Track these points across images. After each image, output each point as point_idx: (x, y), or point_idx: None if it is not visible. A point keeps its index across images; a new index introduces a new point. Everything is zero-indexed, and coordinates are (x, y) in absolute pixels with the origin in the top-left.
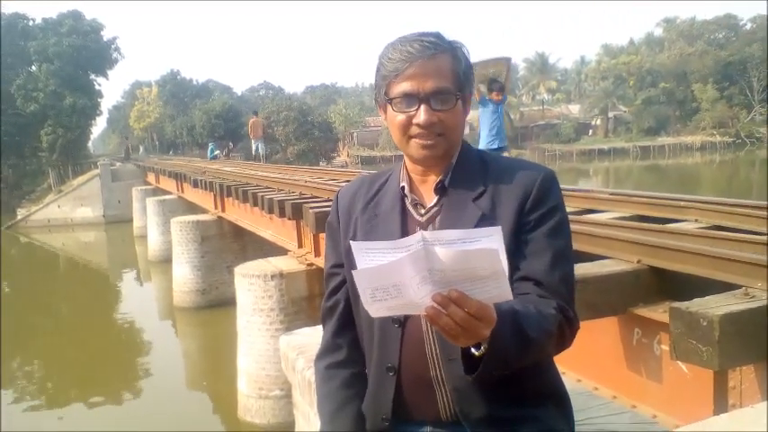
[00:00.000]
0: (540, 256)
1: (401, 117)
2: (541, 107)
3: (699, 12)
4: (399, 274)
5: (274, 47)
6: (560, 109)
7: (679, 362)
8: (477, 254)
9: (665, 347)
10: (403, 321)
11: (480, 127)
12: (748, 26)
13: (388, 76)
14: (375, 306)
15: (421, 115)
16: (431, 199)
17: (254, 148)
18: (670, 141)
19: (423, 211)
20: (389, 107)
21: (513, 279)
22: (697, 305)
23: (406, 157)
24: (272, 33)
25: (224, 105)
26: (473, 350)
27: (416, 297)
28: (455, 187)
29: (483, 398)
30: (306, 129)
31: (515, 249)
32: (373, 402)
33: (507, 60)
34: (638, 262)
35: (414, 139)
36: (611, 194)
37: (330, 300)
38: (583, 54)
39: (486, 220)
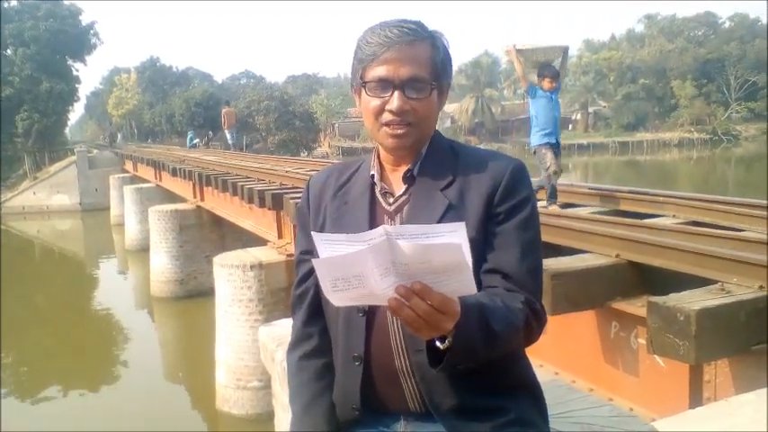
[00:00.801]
0: (509, 248)
1: (375, 102)
2: (523, 101)
3: (679, 9)
4: (361, 265)
5: (256, 35)
6: None
7: (656, 356)
8: (441, 248)
9: (642, 341)
10: (367, 311)
11: (532, 121)
12: (727, 24)
13: (365, 59)
14: (336, 296)
15: (394, 101)
16: (399, 188)
17: (228, 137)
18: (648, 137)
19: (391, 200)
20: (363, 91)
21: (480, 271)
22: (674, 300)
23: (378, 146)
24: (254, 21)
25: (204, 93)
26: (438, 343)
27: (378, 288)
28: (423, 176)
29: (452, 388)
30: (287, 119)
31: (483, 241)
32: (342, 392)
33: (564, 49)
34: (617, 256)
35: (384, 127)
36: (590, 189)
37: (299, 287)
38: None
39: (453, 209)
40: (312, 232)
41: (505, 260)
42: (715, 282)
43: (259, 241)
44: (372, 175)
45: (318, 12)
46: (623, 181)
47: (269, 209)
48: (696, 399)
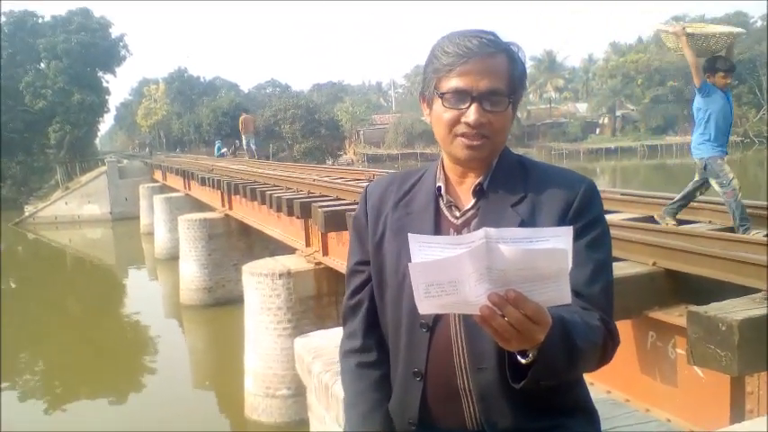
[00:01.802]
0: (581, 267)
1: (450, 114)
2: (549, 105)
3: (709, 10)
4: (457, 271)
5: (282, 44)
6: (567, 107)
7: (695, 366)
8: (545, 254)
9: (681, 351)
10: (431, 326)
11: (698, 125)
12: (759, 24)
13: (441, 69)
14: (427, 302)
15: (471, 114)
16: (467, 201)
17: (244, 142)
18: (678, 140)
19: (458, 214)
20: (437, 102)
21: None
22: (715, 309)
23: (444, 156)
24: (280, 31)
25: (231, 103)
26: (520, 358)
27: (472, 296)
28: (494, 191)
29: (510, 409)
30: (312, 127)
31: None
32: (400, 406)
33: (739, 34)
34: (654, 264)
35: (459, 138)
36: (622, 195)
37: (353, 298)
38: (591, 52)
39: (524, 226)
40: (409, 234)
41: (578, 279)
42: (755, 290)
43: (287, 249)
44: (439, 187)
45: (343, 20)
46: (653, 186)
47: (297, 217)
48: (738, 411)
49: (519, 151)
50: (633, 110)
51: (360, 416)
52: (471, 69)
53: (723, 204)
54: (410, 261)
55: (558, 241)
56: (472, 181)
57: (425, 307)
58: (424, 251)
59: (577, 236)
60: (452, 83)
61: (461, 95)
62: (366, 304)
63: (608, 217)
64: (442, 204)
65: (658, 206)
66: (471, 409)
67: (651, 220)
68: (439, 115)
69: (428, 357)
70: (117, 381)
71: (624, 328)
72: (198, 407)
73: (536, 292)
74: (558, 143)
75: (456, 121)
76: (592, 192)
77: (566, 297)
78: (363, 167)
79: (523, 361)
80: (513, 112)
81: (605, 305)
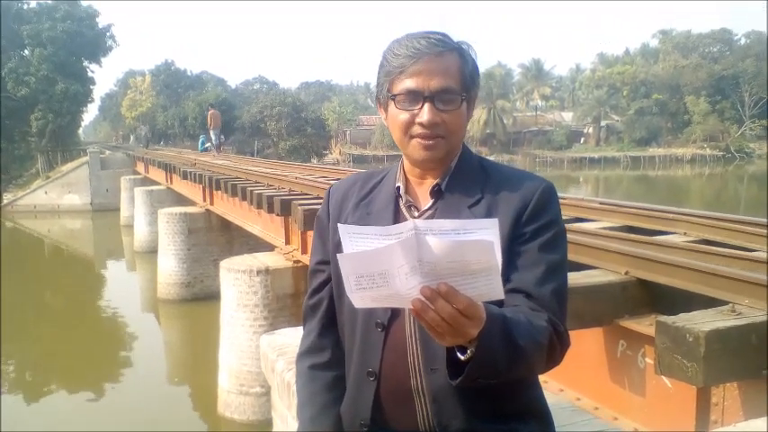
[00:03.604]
0: (533, 268)
1: (404, 115)
2: (535, 113)
3: (695, 25)
4: (387, 262)
5: (271, 41)
6: (553, 116)
7: (663, 376)
8: (472, 245)
9: (650, 361)
10: (386, 326)
11: None
12: (743, 41)
13: (393, 71)
14: (359, 295)
15: (425, 114)
16: (426, 202)
17: (212, 137)
18: (661, 153)
19: (416, 214)
20: (391, 104)
21: (504, 291)
22: (683, 320)
23: (404, 158)
24: (269, 28)
25: (217, 98)
26: (459, 355)
27: (403, 289)
28: (452, 192)
29: (463, 411)
30: (299, 125)
31: (508, 261)
32: (352, 407)
33: None
34: (626, 273)
35: (415, 139)
36: (601, 204)
37: (313, 298)
38: (578, 62)
39: None
40: (338, 223)
41: (528, 280)
42: (725, 302)
43: (267, 247)
44: (398, 188)
45: (332, 19)
46: (634, 196)
47: (277, 215)
48: (703, 421)
49: (504, 158)
50: (618, 120)
51: (309, 418)
52: (422, 69)
53: (700, 216)
54: None
55: (484, 233)
56: (431, 182)
57: (358, 300)
58: (355, 242)
59: (531, 237)
60: (404, 84)
61: (413, 96)
62: (325, 304)
63: (583, 225)
64: (401, 204)
65: (636, 216)
66: (424, 410)
67: (627, 229)
68: (394, 118)
69: (382, 357)
70: (92, 374)
71: (595, 335)
72: (172, 402)
73: (468, 287)
74: (542, 151)
75: (411, 123)
76: (548, 194)
77: (498, 292)
78: (348, 167)
79: (462, 357)
80: (469, 110)
81: (555, 307)
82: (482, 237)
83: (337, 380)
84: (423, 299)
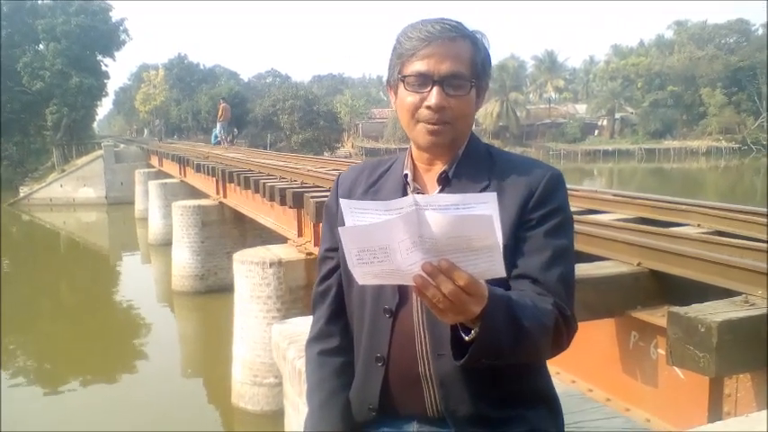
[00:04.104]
0: (539, 254)
1: (412, 98)
2: (548, 105)
3: (711, 16)
4: (388, 237)
5: (283, 35)
6: (567, 108)
7: (675, 367)
8: (471, 220)
9: (662, 352)
10: (394, 312)
11: None
12: (760, 32)
13: (404, 54)
14: (361, 270)
15: (432, 97)
16: (434, 188)
17: (219, 130)
18: (676, 145)
19: None
20: (401, 87)
21: (510, 277)
22: (696, 311)
23: (412, 145)
24: (282, 21)
25: (230, 91)
26: (463, 335)
27: (404, 264)
28: (459, 179)
29: (470, 396)
30: (311, 118)
31: (514, 247)
32: (361, 392)
33: None
34: (639, 264)
35: (421, 124)
36: (615, 195)
37: (322, 284)
38: (592, 54)
39: None
40: (340, 199)
41: (534, 265)
42: (739, 293)
43: (279, 239)
44: (406, 175)
45: (345, 12)
46: (649, 189)
47: (290, 207)
48: (715, 412)
49: (517, 150)
50: (632, 113)
51: (318, 403)
52: (433, 53)
53: (712, 208)
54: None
55: (483, 208)
56: (439, 169)
57: (360, 276)
58: (357, 216)
59: (537, 223)
60: (414, 66)
61: (423, 79)
62: (334, 290)
63: (596, 217)
64: (409, 191)
65: (649, 207)
66: (432, 395)
67: (640, 220)
68: (402, 100)
69: (391, 343)
70: (107, 365)
71: (607, 327)
72: (185, 393)
73: (469, 263)
74: (556, 143)
75: (418, 106)
76: (556, 181)
77: (499, 270)
78: (361, 160)
79: (466, 338)
80: (479, 98)
81: (562, 291)
82: (482, 211)
83: (346, 365)
84: (424, 275)
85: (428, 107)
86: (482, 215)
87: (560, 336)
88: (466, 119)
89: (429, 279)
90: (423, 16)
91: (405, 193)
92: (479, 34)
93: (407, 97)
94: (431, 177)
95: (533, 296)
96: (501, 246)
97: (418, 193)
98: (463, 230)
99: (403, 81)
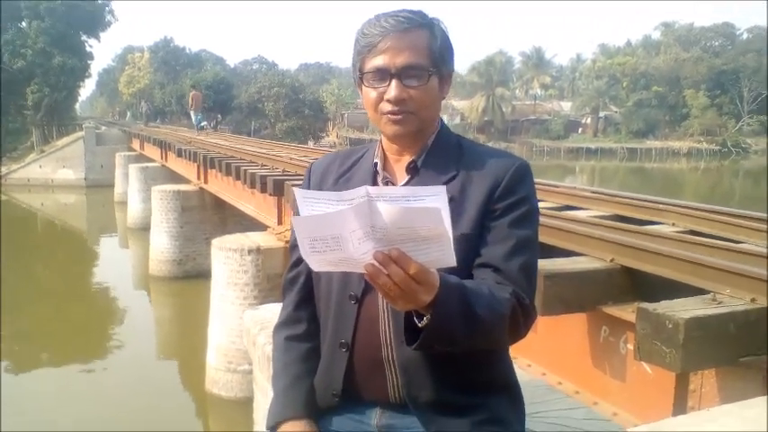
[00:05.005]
0: (502, 243)
1: (373, 93)
2: (533, 102)
3: (698, 18)
4: (340, 227)
5: (271, 22)
6: (552, 105)
7: (643, 362)
8: (420, 212)
9: (631, 347)
10: (360, 298)
11: None
12: (745, 36)
13: (362, 51)
14: (315, 258)
15: (391, 91)
16: (402, 178)
17: (194, 119)
18: (657, 145)
19: None
20: (363, 83)
21: (473, 265)
22: (664, 307)
23: (382, 135)
24: (270, 8)
25: (216, 76)
26: (417, 321)
27: (357, 253)
28: (427, 168)
29: (432, 382)
30: (296, 106)
31: (479, 236)
32: (325, 377)
33: None
34: (612, 261)
35: (385, 116)
36: (593, 193)
37: (292, 271)
38: (579, 52)
39: (454, 203)
40: (294, 188)
41: (497, 255)
42: (708, 292)
43: (260, 226)
44: (375, 164)
45: (335, 1)
46: (629, 187)
47: (270, 194)
48: (680, 407)
49: (501, 146)
50: (616, 112)
51: (282, 388)
52: (388, 47)
53: (689, 208)
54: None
55: (433, 200)
56: (408, 158)
57: (314, 263)
58: (310, 206)
59: (502, 213)
60: (372, 62)
61: (381, 73)
62: (303, 277)
63: (573, 213)
64: (379, 181)
65: (626, 205)
66: (394, 380)
67: (617, 218)
68: (366, 95)
69: (356, 329)
70: (83, 349)
71: (579, 321)
72: (160, 378)
73: (420, 253)
74: (540, 140)
75: (380, 100)
76: (522, 172)
77: (449, 259)
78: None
79: (419, 324)
80: (441, 86)
81: (522, 281)
82: (430, 204)
83: (312, 351)
84: (375, 263)
85: (388, 100)
86: (431, 207)
87: (517, 324)
88: (429, 108)
89: (381, 267)
90: (415, 8)
91: (375, 183)
92: (436, 21)
93: (370, 93)
94: (400, 167)
95: (492, 285)
96: (451, 236)
97: (388, 182)
98: (413, 222)
99: (363, 77)
